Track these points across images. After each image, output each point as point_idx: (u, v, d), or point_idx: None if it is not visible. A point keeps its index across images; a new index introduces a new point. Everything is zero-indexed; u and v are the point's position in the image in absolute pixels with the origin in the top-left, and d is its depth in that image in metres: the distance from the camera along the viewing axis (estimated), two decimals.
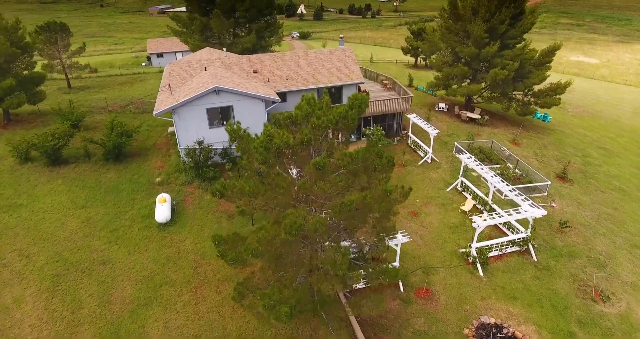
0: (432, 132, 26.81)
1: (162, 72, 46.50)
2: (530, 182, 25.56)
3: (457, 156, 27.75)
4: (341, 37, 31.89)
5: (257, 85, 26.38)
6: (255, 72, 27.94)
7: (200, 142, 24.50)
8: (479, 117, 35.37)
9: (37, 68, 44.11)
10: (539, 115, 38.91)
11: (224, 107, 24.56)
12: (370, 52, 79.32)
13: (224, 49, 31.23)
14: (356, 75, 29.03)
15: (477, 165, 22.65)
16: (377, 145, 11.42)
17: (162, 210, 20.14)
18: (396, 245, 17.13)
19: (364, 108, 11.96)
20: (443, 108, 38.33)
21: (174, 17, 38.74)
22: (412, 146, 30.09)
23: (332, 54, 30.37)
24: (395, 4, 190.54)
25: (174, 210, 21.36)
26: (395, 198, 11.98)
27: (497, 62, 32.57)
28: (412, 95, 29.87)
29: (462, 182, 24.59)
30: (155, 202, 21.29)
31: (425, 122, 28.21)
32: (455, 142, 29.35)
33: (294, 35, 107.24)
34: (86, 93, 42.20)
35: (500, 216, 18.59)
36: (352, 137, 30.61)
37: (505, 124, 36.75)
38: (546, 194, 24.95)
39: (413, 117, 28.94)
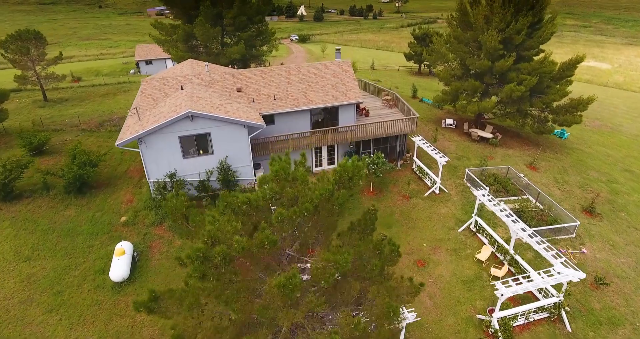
0: (441, 160, 23.39)
1: None
2: (555, 221, 22.08)
3: (471, 189, 24.35)
4: (338, 49, 28.47)
5: (240, 107, 22.99)
6: (239, 90, 24.55)
7: (172, 175, 21.15)
8: (491, 136, 31.89)
9: (9, 80, 40.92)
10: (555, 131, 35.41)
11: (199, 134, 21.18)
12: (371, 57, 75.93)
13: (205, 63, 27.85)
14: (354, 93, 25.59)
15: (494, 205, 19.21)
16: (374, 237, 7.99)
17: (119, 266, 16.76)
18: (402, 321, 13.70)
19: (357, 181, 8.57)
20: (450, 124, 34.88)
21: (156, 24, 35.38)
22: (417, 172, 26.66)
23: (327, 69, 26.95)
24: (397, 4, 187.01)
25: (135, 263, 17.99)
26: (401, 297, 8.58)
27: (512, 76, 29.10)
28: (418, 115, 26.44)
29: (476, 222, 21.15)
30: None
31: (433, 147, 24.80)
32: (467, 170, 25.90)
33: (293, 39, 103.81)
34: (63, 107, 38.89)
35: (528, 279, 15.14)
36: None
37: (519, 143, 33.27)
38: (574, 235, 21.48)
39: (418, 141, 25.56)
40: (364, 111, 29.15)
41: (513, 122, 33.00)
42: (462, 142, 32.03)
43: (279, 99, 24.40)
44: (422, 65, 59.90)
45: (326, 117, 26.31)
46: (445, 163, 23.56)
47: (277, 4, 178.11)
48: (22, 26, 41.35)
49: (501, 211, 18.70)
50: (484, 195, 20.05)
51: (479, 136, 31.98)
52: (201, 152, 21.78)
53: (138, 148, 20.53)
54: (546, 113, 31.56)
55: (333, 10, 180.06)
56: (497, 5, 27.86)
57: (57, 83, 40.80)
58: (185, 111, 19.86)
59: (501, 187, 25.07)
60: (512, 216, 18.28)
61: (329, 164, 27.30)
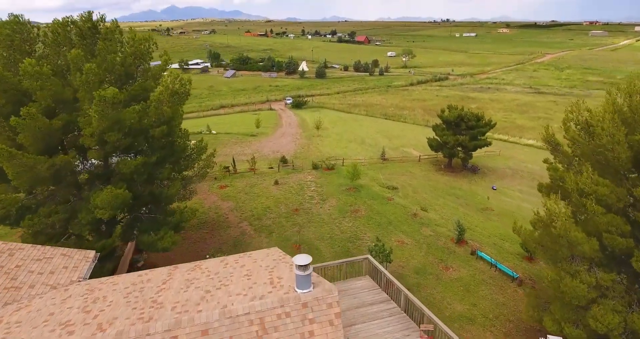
0: None
1: None
2: None
3: None
4: (302, 267, 9.77)
5: None
6: None
7: None
8: None
9: None
10: None
11: None
12: (380, 133, 58.94)
13: None
14: None
15: None
16: None
17: None
18: None
19: None
20: None
21: None
22: None
23: None
24: (404, 59, 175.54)
25: None
26: None
27: None
28: None
29: None
30: None
31: None
32: None
33: (287, 102, 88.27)
34: None
35: None
36: None
37: None
38: None
39: None
40: None
41: None
42: None
43: None
44: (453, 159, 42.10)
45: None
46: None
47: (277, 60, 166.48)
48: None
49: None
50: None
51: None
52: None
53: None
54: None
55: (336, 66, 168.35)
56: None
57: None
58: None
59: None
60: None
61: None
